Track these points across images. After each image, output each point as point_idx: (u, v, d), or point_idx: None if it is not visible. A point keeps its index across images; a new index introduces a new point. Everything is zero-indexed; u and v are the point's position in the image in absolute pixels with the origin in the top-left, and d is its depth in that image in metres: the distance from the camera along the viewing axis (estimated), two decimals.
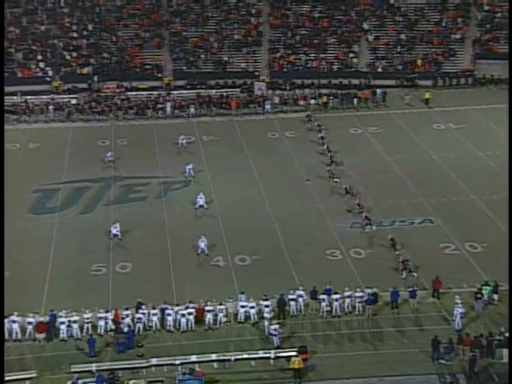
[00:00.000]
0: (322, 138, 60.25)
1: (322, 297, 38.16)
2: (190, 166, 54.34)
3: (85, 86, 70.41)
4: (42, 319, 36.78)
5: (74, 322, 36.62)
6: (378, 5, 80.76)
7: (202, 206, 49.50)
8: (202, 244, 44.00)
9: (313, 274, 41.01)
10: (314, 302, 38.58)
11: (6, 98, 66.92)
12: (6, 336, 36.29)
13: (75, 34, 75.89)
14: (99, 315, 36.96)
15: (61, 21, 76.85)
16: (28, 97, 68.08)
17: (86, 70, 71.87)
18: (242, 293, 38.52)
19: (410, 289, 38.79)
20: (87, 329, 36.68)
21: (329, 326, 37.37)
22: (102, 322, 36.88)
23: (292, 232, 46.13)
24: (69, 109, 66.90)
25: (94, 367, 33.89)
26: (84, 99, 68.56)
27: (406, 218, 47.84)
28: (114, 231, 45.71)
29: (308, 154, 57.99)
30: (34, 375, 33.84)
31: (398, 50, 76.36)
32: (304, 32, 77.75)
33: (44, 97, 68.53)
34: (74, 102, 68.08)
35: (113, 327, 36.78)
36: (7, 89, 67.88)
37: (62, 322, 36.57)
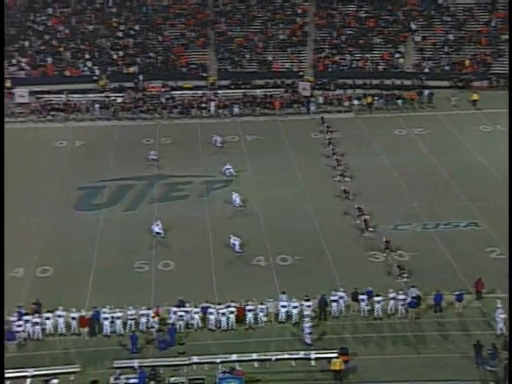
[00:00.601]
0: (330, 139, 59.96)
1: (362, 297, 37.88)
2: (228, 166, 54.33)
3: (131, 84, 70.75)
4: (84, 314, 37.09)
5: (118, 318, 36.95)
6: (425, 5, 79.75)
7: (240, 206, 49.40)
8: (237, 242, 44.15)
9: (354, 276, 40.64)
10: (355, 303, 38.22)
11: (53, 96, 67.74)
12: (52, 330, 36.76)
13: (122, 34, 76.09)
14: (141, 312, 37.19)
15: (108, 21, 77.32)
16: (75, 95, 68.49)
17: (132, 70, 72.31)
18: (284, 293, 38.44)
19: (457, 292, 38.16)
20: (130, 325, 36.94)
21: (370, 328, 37.13)
22: (144, 319, 37.04)
23: (333, 233, 45.96)
24: (114, 107, 67.47)
25: (136, 363, 34.22)
26: (130, 98, 68.59)
27: (451, 221, 47.11)
28: (156, 229, 45.94)
29: (350, 155, 57.28)
30: (77, 369, 34.15)
31: (446, 50, 75.30)
32: (349, 32, 77.29)
33: (91, 95, 68.96)
34: (119, 100, 68.53)
35: (154, 324, 36.80)
36: (55, 87, 68.69)
37: (106, 318, 36.92)
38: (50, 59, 72.63)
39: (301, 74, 72.97)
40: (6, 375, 32.68)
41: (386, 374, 33.60)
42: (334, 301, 38.03)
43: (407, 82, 71.60)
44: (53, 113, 66.79)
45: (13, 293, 39.22)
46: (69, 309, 37.18)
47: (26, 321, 36.62)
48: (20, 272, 42.23)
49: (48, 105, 67.79)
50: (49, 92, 69.27)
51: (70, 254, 43.99)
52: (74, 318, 36.99)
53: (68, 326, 37.01)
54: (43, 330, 36.86)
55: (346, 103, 68.19)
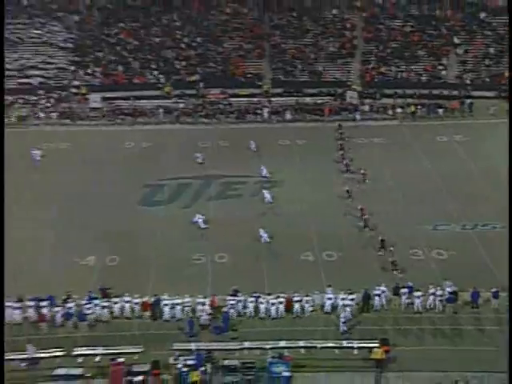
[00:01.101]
0: (341, 145, 59.29)
1: (403, 291, 37.56)
2: (262, 167, 54.30)
3: (192, 92, 70.77)
4: (147, 299, 37.57)
5: (177, 304, 37.23)
6: (468, 20, 78.42)
7: (270, 203, 49.60)
8: (265, 235, 44.43)
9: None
10: (396, 297, 37.85)
11: (123, 101, 68.33)
12: (119, 313, 37.28)
13: (185, 46, 76.39)
14: (198, 300, 37.31)
15: (173, 33, 77.45)
16: (142, 101, 69.06)
17: (193, 78, 72.39)
18: (329, 286, 38.05)
19: (494, 290, 37.41)
20: (187, 311, 37.13)
21: (410, 321, 36.91)
22: (200, 307, 37.10)
23: (376, 232, 45.18)
24: (177, 112, 67.71)
25: (193, 346, 34.46)
26: (191, 104, 68.92)
27: (489, 223, 46.32)
28: (198, 221, 46.36)
29: (394, 159, 56.73)
30: (140, 350, 34.59)
31: (487, 63, 73.97)
32: (395, 45, 76.26)
33: (156, 101, 69.24)
34: (181, 106, 68.77)
35: (210, 311, 36.93)
36: (125, 93, 69.32)
37: (166, 304, 37.26)
38: (120, 68, 73.22)
39: (349, 83, 72.35)
40: (79, 352, 33.82)
41: (423, 364, 33.42)
42: (377, 295, 37.71)
43: (449, 92, 70.42)
44: (122, 117, 67.50)
45: (84, 279, 39.87)
46: (133, 295, 37.60)
47: (96, 304, 37.16)
48: (91, 260, 42.71)
49: (118, 109, 68.43)
50: (119, 98, 69.76)
51: (135, 245, 44.25)
52: (137, 303, 37.45)
53: (132, 309, 37.40)
54: (111, 312, 37.34)
55: (391, 112, 67.39)
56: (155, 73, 72.95)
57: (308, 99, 70.07)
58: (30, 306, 37.03)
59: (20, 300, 37.19)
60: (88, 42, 76.16)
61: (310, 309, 37.43)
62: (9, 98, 68.19)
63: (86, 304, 37.07)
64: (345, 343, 34.68)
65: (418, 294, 37.34)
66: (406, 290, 37.64)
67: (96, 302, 37.27)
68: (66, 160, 57.21)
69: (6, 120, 61.56)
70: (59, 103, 69.16)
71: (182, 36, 77.45)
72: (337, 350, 34.41)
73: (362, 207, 47.43)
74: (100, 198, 50.19)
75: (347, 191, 50.49)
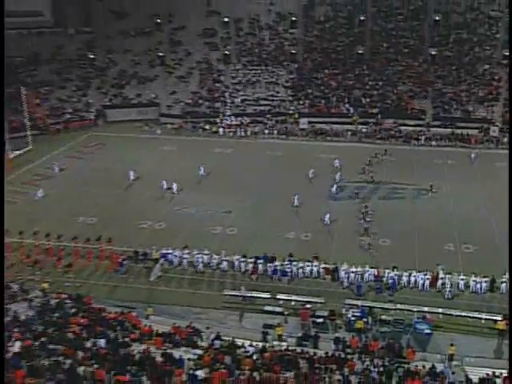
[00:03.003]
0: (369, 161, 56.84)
1: None
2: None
3: (372, 120, 69.60)
4: (328, 266, 37.37)
5: (352, 272, 36.87)
6: None
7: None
8: (327, 217, 43.77)
9: None
10: None
11: (322, 125, 68.63)
12: (308, 274, 37.20)
13: (369, 87, 75.28)
14: (366, 269, 36.94)
15: (362, 79, 76.53)
16: (335, 125, 69.07)
17: (374, 111, 71.14)
18: (474, 274, 36.14)
19: None
20: (358, 277, 36.80)
21: None
22: (366, 275, 36.80)
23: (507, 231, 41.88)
24: (360, 135, 67.08)
25: (359, 303, 34.05)
26: (371, 129, 68.02)
27: None
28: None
29: None
30: (322, 301, 34.66)
31: None
32: None
33: (345, 126, 68.97)
34: (364, 130, 67.84)
35: (373, 279, 36.57)
36: (324, 119, 69.50)
37: (343, 270, 37.03)
38: (322, 101, 73.48)
39: (492, 121, 67.64)
40: (280, 297, 34.38)
41: None
42: (503, 282, 35.35)
43: None
44: (321, 136, 67.83)
45: (285, 249, 40.16)
46: (320, 262, 37.80)
47: (294, 265, 37.57)
48: (292, 234, 43.20)
49: (318, 130, 68.79)
50: (320, 122, 69.98)
51: (323, 226, 43.96)
52: (323, 268, 37.44)
53: (318, 272, 37.53)
54: (303, 273, 37.64)
55: None
56: (347, 106, 72.50)
57: (459, 131, 66.38)
58: (252, 262, 38.12)
59: (244, 256, 38.53)
60: (302, 83, 77.21)
61: (448, 287, 35.72)
62: (246, 119, 71.27)
63: (287, 265, 37.70)
64: (475, 314, 32.89)
65: None
66: None
67: (295, 263, 37.71)
68: (280, 163, 58.60)
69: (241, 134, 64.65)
70: (279, 124, 70.89)
71: (368, 80, 76.30)
72: (469, 319, 32.72)
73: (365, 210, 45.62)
74: (300, 191, 50.49)
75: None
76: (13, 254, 39.71)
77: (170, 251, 39.17)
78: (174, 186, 51.01)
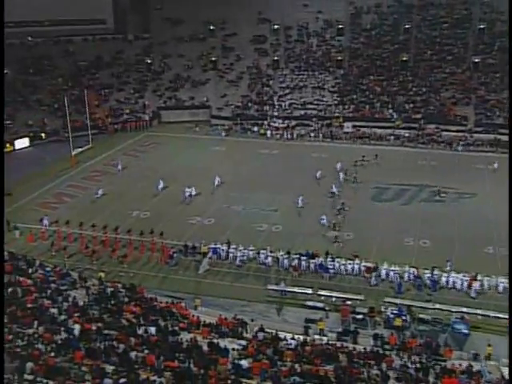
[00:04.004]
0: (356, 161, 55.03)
1: None
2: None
3: (415, 125, 68.24)
4: (369, 265, 36.85)
5: (392, 271, 36.38)
6: None
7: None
8: (325, 219, 43.25)
9: None
10: None
11: (365, 129, 67.78)
12: (350, 271, 36.82)
13: (413, 93, 73.80)
14: (406, 270, 36.34)
15: (406, 85, 75.04)
16: (379, 129, 68.06)
17: (417, 116, 69.81)
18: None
19: None
20: (397, 276, 36.18)
21: None
22: (406, 275, 36.26)
23: None
24: (403, 139, 66.08)
25: (398, 301, 33.48)
26: (413, 134, 66.79)
27: None
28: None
29: None
30: (362, 298, 34.33)
31: None
32: None
33: (388, 130, 68.08)
34: (406, 135, 66.80)
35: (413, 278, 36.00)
36: (367, 123, 68.78)
37: (385, 269, 36.60)
38: (367, 106, 72.70)
39: None
40: (322, 293, 34.29)
41: None
42: None
43: None
44: (364, 139, 67.06)
45: (327, 247, 40.07)
46: (361, 261, 37.34)
47: (337, 262, 37.26)
48: (334, 233, 42.74)
49: (362, 134, 67.98)
50: (364, 126, 69.18)
51: (366, 227, 43.48)
52: (364, 266, 37.08)
53: (359, 270, 37.08)
54: (345, 270, 37.10)
55: None
56: (390, 111, 71.34)
57: (502, 137, 64.17)
58: (296, 258, 37.87)
59: (288, 253, 38.36)
60: (347, 88, 76.41)
61: (486, 288, 34.81)
62: (293, 122, 71.06)
63: (329, 261, 37.35)
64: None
65: None
66: None
67: (337, 260, 37.32)
68: (325, 165, 57.88)
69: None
70: (324, 127, 70.39)
71: (411, 86, 74.80)
72: (506, 320, 31.54)
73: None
74: (343, 191, 50.28)
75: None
76: (73, 244, 40.88)
77: (218, 246, 39.46)
78: (217, 179, 51.50)
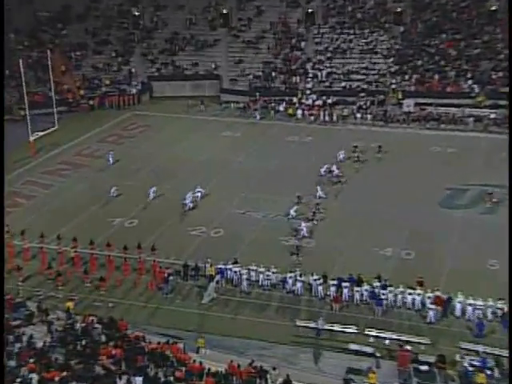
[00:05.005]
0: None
1: None
2: None
3: (505, 102, 67.57)
4: (439, 294, 36.59)
5: (469, 304, 35.99)
6: None
7: None
8: (305, 229, 44.20)
9: None
10: None
11: (433, 108, 67.62)
12: (404, 304, 36.65)
13: (503, 57, 72.92)
14: (489, 303, 35.81)
15: (493, 46, 74.58)
16: (452, 108, 68.08)
17: (507, 89, 68.98)
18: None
19: None
20: (478, 313, 35.73)
21: None
22: (490, 311, 35.73)
23: None
24: (487, 122, 65.70)
25: (480, 349, 32.83)
26: (502, 114, 66.09)
27: None
28: None
29: None
30: (427, 342, 33.92)
31: None
32: None
33: (467, 109, 67.83)
34: (492, 116, 66.38)
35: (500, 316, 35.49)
36: (437, 101, 68.59)
37: (459, 302, 36.20)
38: (436, 77, 72.35)
39: None
40: (371, 332, 34.14)
41: None
42: None
43: None
44: (431, 122, 66.88)
45: (381, 266, 39.89)
46: (425, 289, 37.02)
47: (390, 291, 37.05)
48: (389, 251, 42.65)
49: (428, 115, 67.81)
50: (431, 104, 69.05)
51: (431, 243, 43.43)
52: (429, 297, 36.63)
53: (423, 303, 36.69)
54: (403, 302, 37.03)
55: None
56: (470, 82, 70.95)
57: None
58: (333, 285, 37.74)
59: (324, 277, 38.34)
60: (409, 51, 76.28)
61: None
62: (333, 99, 71.19)
63: (381, 290, 37.11)
64: None
65: None
66: None
67: (390, 289, 37.10)
68: (377, 157, 58.19)
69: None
70: (375, 106, 70.34)
71: (501, 48, 74.13)
72: None
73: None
74: (403, 196, 50.13)
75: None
76: (29, 262, 41.22)
77: (228, 266, 39.58)
78: (227, 177, 51.74)
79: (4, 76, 64.72)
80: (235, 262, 39.76)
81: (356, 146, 59.17)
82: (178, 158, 58.63)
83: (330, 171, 54.23)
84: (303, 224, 45.01)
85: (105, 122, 68.71)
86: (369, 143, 61.29)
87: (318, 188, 50.64)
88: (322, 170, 54.23)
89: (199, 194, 49.94)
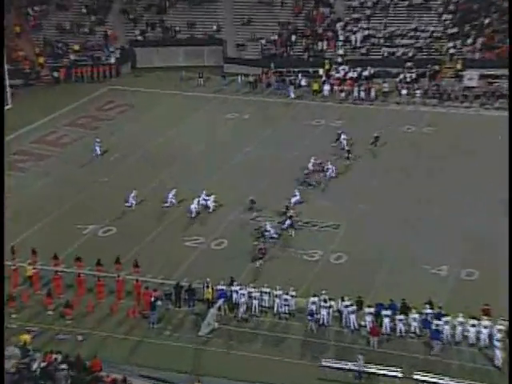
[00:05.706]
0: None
1: None
2: None
3: None
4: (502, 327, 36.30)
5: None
6: None
7: None
8: (272, 230, 45.67)
9: None
10: None
11: (504, 81, 67.60)
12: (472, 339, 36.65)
13: None
14: None
15: None
16: None
17: None
18: None
19: None
20: None
21: None
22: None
23: None
24: None
25: None
26: None
27: None
28: None
29: None
30: None
31: None
32: None
33: None
34: None
35: None
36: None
37: None
38: (507, 42, 71.69)
39: None
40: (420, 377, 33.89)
41: None
42: None
43: None
44: (501, 100, 66.42)
45: (431, 291, 39.74)
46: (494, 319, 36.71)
47: (446, 322, 36.77)
48: (444, 270, 42.62)
49: (497, 91, 67.68)
50: (501, 76, 68.52)
51: (496, 258, 43.10)
52: (499, 331, 36.34)
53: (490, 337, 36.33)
54: (464, 336, 36.87)
55: None
56: None
57: None
58: (370, 313, 37.74)
59: (358, 302, 38.29)
60: (472, 6, 76.14)
61: None
62: (370, 71, 71.34)
63: (435, 319, 36.98)
64: None
65: None
66: None
67: (446, 318, 36.86)
68: (427, 147, 58.15)
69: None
70: (426, 79, 70.33)
71: None
72: None
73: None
74: (464, 200, 50.15)
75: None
76: None
77: (233, 288, 39.62)
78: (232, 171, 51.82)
79: (4, 72, 64.53)
80: (232, 281, 39.82)
81: (377, 137, 59.02)
82: (169, 147, 58.75)
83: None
84: (268, 225, 45.57)
85: (74, 100, 68.91)
86: (419, 128, 61.32)
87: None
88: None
89: (205, 203, 49.82)
